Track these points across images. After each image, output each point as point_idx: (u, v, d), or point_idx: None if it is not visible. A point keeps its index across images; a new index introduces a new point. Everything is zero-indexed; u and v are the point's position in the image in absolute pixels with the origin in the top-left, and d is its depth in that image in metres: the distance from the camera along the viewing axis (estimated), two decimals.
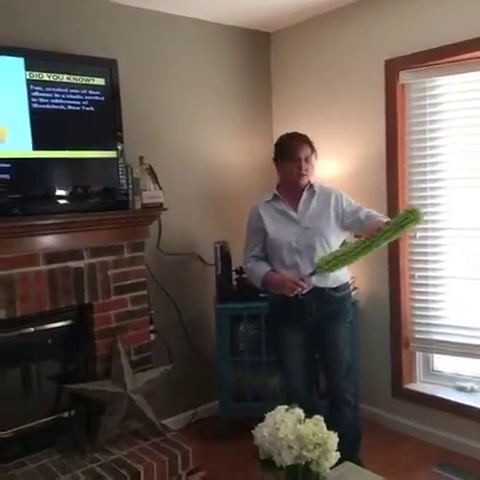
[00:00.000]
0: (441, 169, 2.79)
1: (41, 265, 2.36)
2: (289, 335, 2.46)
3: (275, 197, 2.46)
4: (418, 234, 2.87)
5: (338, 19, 3.05)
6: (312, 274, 2.22)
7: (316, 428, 1.55)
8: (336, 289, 2.39)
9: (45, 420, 2.52)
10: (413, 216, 2.03)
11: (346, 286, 2.46)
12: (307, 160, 2.38)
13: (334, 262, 2.13)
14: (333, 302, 2.39)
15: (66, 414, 2.54)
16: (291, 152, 2.38)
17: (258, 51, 3.42)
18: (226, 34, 3.26)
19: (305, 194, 2.42)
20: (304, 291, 2.30)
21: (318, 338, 2.45)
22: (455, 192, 2.76)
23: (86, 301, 2.51)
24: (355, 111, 3.03)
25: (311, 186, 2.43)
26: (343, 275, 2.43)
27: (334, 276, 2.35)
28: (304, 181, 2.40)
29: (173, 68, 3.05)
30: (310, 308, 2.36)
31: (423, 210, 2.76)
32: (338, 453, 1.55)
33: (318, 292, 2.35)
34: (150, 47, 2.94)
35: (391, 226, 2.07)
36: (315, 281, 2.32)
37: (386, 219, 2.23)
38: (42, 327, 2.47)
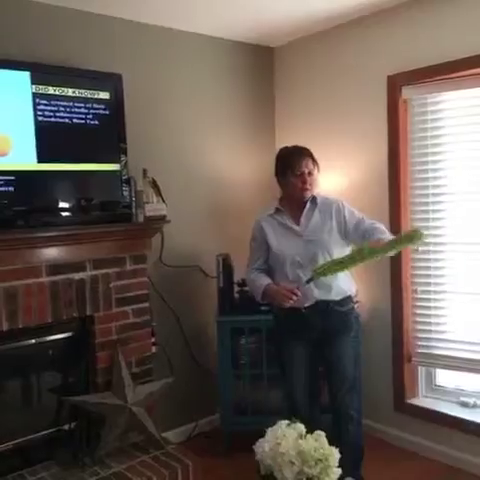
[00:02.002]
0: (443, 184, 2.80)
1: (44, 277, 2.37)
2: (293, 349, 2.45)
3: (277, 211, 2.46)
4: (420, 248, 2.87)
5: (341, 35, 3.08)
6: (308, 281, 2.19)
7: (317, 444, 1.55)
8: (340, 303, 2.38)
9: (45, 433, 2.51)
10: (414, 235, 2.06)
11: (350, 300, 2.45)
12: (310, 174, 2.38)
13: (329, 266, 2.13)
14: (337, 316, 2.38)
15: (66, 427, 2.53)
16: (294, 166, 2.37)
17: (261, 66, 3.45)
18: (230, 49, 3.29)
19: (307, 206, 2.42)
20: (306, 304, 2.29)
21: (322, 352, 2.44)
22: (457, 206, 2.76)
23: (88, 313, 2.51)
24: (357, 126, 3.05)
25: (314, 198, 2.43)
26: (347, 288, 2.42)
27: (337, 288, 2.35)
28: (308, 195, 2.40)
29: (177, 82, 3.07)
30: (314, 322, 2.36)
31: (426, 224, 2.83)
32: (339, 469, 1.55)
33: (322, 306, 2.34)
34: (154, 61, 2.97)
35: (391, 241, 2.11)
36: (318, 294, 2.32)
37: (388, 237, 2.23)
38: (43, 339, 2.48)
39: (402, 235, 2.14)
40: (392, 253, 2.14)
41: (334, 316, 2.37)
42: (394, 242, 2.12)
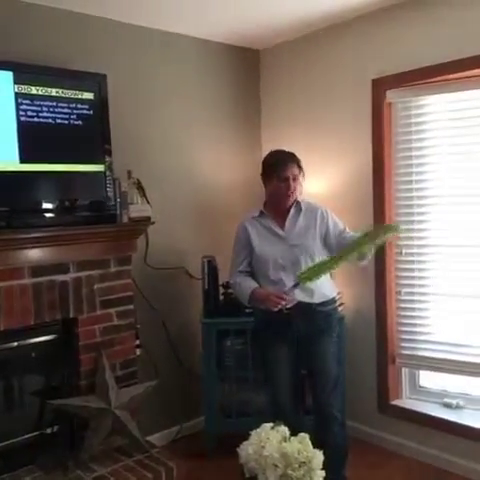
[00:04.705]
0: (427, 187, 2.83)
1: (26, 278, 2.34)
2: (276, 350, 2.45)
3: (262, 214, 2.48)
4: (404, 251, 2.90)
5: (326, 38, 3.09)
6: (295, 286, 2.22)
7: (301, 446, 1.55)
8: (322, 304, 2.40)
9: (27, 436, 2.48)
10: (389, 227, 2.11)
11: (332, 301, 2.47)
12: (295, 179, 2.39)
13: (314, 270, 2.16)
14: (319, 317, 2.39)
15: (49, 430, 2.50)
16: (279, 171, 2.38)
17: (247, 68, 3.45)
18: (215, 51, 3.29)
19: (292, 211, 2.43)
20: (289, 305, 2.30)
21: (305, 353, 2.44)
22: (441, 209, 2.79)
23: (71, 315, 2.49)
24: (343, 129, 3.06)
25: (298, 203, 2.45)
26: (329, 290, 2.44)
27: (320, 292, 2.37)
28: (290, 201, 2.42)
29: (162, 84, 3.06)
30: (296, 323, 2.37)
31: (410, 227, 2.85)
32: (323, 471, 1.55)
33: (304, 307, 2.35)
34: (140, 63, 2.95)
35: (368, 235, 2.14)
36: (300, 297, 2.33)
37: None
38: (26, 341, 2.45)
39: (378, 229, 2.18)
40: (371, 247, 2.16)
41: (317, 316, 2.38)
42: (370, 234, 2.14)
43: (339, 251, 2.22)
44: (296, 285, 2.21)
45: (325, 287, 2.40)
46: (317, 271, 2.14)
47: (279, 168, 2.38)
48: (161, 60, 3.05)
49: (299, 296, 2.33)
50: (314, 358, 2.44)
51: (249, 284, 2.39)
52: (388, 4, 2.76)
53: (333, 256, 2.21)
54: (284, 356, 2.44)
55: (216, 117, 3.32)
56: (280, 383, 2.48)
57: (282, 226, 2.43)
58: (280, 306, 2.24)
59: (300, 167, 2.43)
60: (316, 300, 2.37)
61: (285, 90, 3.37)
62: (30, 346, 2.48)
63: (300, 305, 2.34)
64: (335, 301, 2.50)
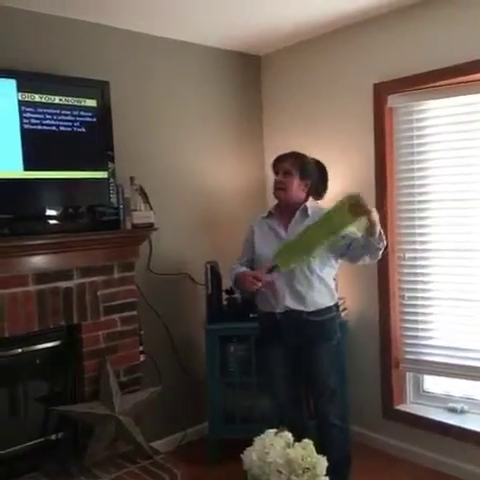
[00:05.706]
0: (429, 191, 2.83)
1: (30, 285, 2.35)
2: (272, 354, 2.48)
3: (270, 214, 2.52)
4: (407, 255, 2.90)
5: (328, 43, 3.11)
6: (270, 271, 2.25)
7: (305, 452, 1.55)
8: (314, 313, 2.37)
9: (32, 443, 2.48)
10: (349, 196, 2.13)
11: (327, 310, 2.41)
12: (285, 174, 2.42)
13: (286, 251, 2.21)
14: (312, 326, 2.37)
15: (53, 437, 2.51)
16: (272, 167, 2.49)
17: (249, 74, 3.47)
18: (217, 57, 3.30)
19: (297, 214, 2.44)
20: (278, 310, 2.34)
21: (302, 360, 2.44)
22: (443, 213, 2.79)
23: (75, 321, 2.49)
24: (344, 134, 3.07)
25: (305, 208, 2.45)
26: (323, 301, 2.39)
27: (312, 301, 2.36)
28: (280, 195, 2.44)
29: (165, 90, 3.08)
30: (288, 329, 2.37)
31: (411, 231, 2.86)
32: (327, 478, 1.55)
33: (295, 315, 2.35)
34: (142, 69, 2.97)
35: (333, 208, 2.19)
36: (290, 304, 2.34)
37: (376, 242, 2.27)
38: (30, 348, 2.45)
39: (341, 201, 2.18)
40: (339, 217, 2.16)
41: (308, 325, 2.36)
42: (337, 206, 2.16)
43: (307, 228, 2.24)
44: (272, 269, 2.24)
45: (319, 295, 2.37)
46: (291, 254, 2.19)
47: (273, 164, 2.49)
48: (164, 67, 3.07)
49: (289, 304, 2.34)
50: (309, 366, 2.44)
51: (238, 269, 2.46)
52: (389, 9, 2.77)
53: (304, 231, 2.24)
54: (282, 361, 2.46)
55: (218, 123, 3.33)
56: (279, 385, 2.51)
57: (286, 228, 2.44)
58: (256, 287, 2.27)
59: (298, 166, 2.42)
60: (307, 308, 2.35)
61: (287, 95, 3.37)
62: (34, 352, 2.48)
63: (290, 313, 2.35)
64: (332, 310, 2.44)
